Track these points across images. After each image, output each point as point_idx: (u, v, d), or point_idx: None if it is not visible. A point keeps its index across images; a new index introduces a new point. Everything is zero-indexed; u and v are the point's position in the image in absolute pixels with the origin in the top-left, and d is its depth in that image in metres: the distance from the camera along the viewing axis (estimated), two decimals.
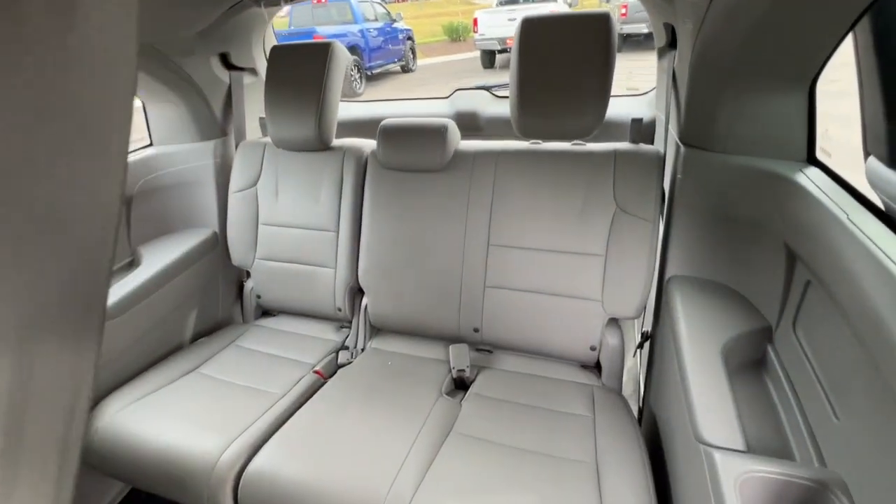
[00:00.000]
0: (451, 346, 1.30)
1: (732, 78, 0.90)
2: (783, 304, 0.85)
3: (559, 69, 1.09)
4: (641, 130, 1.24)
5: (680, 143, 1.07)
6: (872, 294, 0.56)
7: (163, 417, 1.11)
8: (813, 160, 0.89)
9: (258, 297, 1.58)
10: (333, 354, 1.40)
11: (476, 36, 8.72)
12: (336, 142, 1.48)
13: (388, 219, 1.36)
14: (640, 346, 1.30)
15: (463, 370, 1.23)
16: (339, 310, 1.47)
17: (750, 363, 0.88)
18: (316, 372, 1.30)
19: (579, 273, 1.19)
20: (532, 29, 1.11)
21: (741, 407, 0.74)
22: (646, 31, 8.31)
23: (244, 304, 1.63)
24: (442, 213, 1.31)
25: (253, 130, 1.68)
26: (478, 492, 0.89)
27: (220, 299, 1.64)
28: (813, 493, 0.61)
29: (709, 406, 0.74)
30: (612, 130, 1.48)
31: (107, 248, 0.17)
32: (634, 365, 1.53)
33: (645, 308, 1.19)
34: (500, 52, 8.71)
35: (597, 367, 1.27)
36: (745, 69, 0.87)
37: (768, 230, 0.88)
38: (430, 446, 1.00)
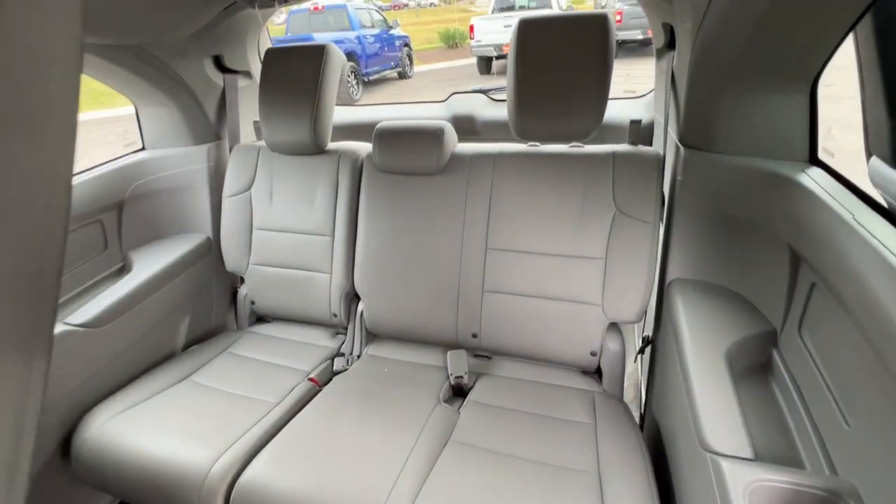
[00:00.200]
0: (448, 353, 1.28)
1: (733, 77, 0.88)
2: (788, 307, 0.83)
3: (557, 70, 1.08)
4: (640, 132, 1.23)
5: (679, 145, 1.05)
6: (881, 295, 0.55)
7: (153, 427, 1.08)
8: (815, 160, 0.88)
9: (252, 303, 1.55)
10: (329, 361, 1.37)
11: (472, 42, 8.78)
12: (331, 145, 1.46)
13: (385, 223, 1.34)
14: (642, 350, 1.28)
15: (461, 377, 1.21)
16: (335, 316, 1.45)
17: (755, 368, 0.86)
18: (311, 379, 1.27)
19: (579, 277, 1.17)
20: (530, 30, 1.10)
21: (747, 413, 0.72)
22: (640, 37, 8.40)
23: (238, 310, 1.60)
24: (439, 217, 1.29)
25: (247, 134, 1.66)
26: (477, 503, 0.87)
27: (214, 306, 1.62)
28: (824, 502, 0.59)
29: (714, 412, 0.72)
30: (610, 133, 1.47)
31: (55, 244, 0.15)
32: (635, 370, 1.51)
33: (646, 312, 1.17)
34: (497, 58, 8.76)
35: (597, 373, 1.25)
36: (745, 68, 0.85)
37: (771, 232, 0.86)
38: (428, 456, 0.98)
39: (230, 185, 1.50)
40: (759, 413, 0.78)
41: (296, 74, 1.36)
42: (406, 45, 10.01)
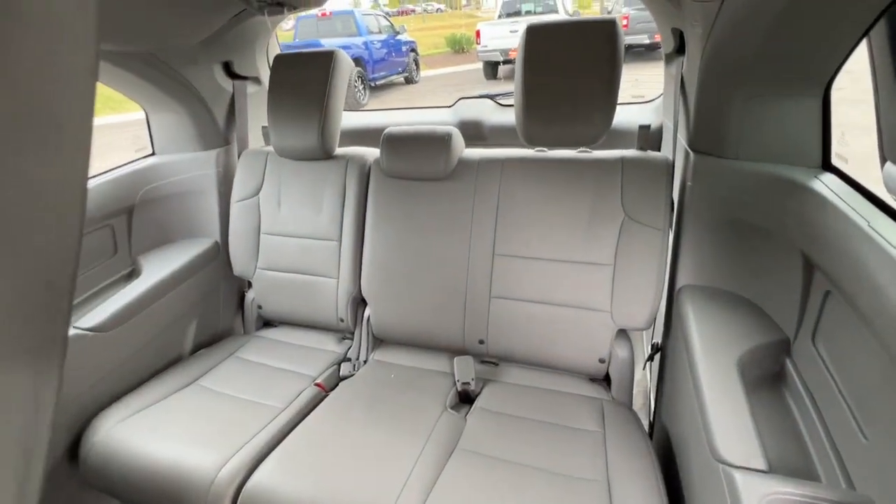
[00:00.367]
0: (455, 359, 1.27)
1: (744, 83, 0.88)
2: (801, 315, 0.82)
3: (565, 76, 1.08)
4: (649, 137, 1.22)
5: (689, 150, 1.04)
6: None
7: (160, 431, 1.08)
8: (829, 166, 0.87)
9: (259, 307, 1.56)
10: (335, 366, 1.37)
11: (479, 47, 8.80)
12: (339, 150, 1.46)
13: (392, 228, 1.34)
14: (651, 358, 1.26)
15: (468, 383, 1.20)
16: (342, 321, 1.45)
17: (767, 377, 0.85)
18: (317, 384, 1.27)
19: (587, 283, 1.16)
20: (537, 36, 1.10)
21: (760, 423, 0.71)
22: (647, 41, 8.38)
23: (245, 314, 1.60)
24: (446, 222, 1.29)
25: (255, 139, 1.67)
26: None
27: (221, 310, 1.62)
28: None
29: (726, 422, 0.71)
30: (618, 138, 1.46)
31: (69, 256, 0.15)
32: (644, 378, 1.49)
33: (655, 319, 1.16)
34: (503, 63, 8.79)
35: (605, 380, 1.24)
36: (757, 73, 0.85)
37: (783, 238, 0.85)
38: (435, 464, 0.97)
39: (238, 189, 1.51)
40: (773, 423, 0.76)
41: (304, 80, 1.37)
42: (413, 50, 10.07)
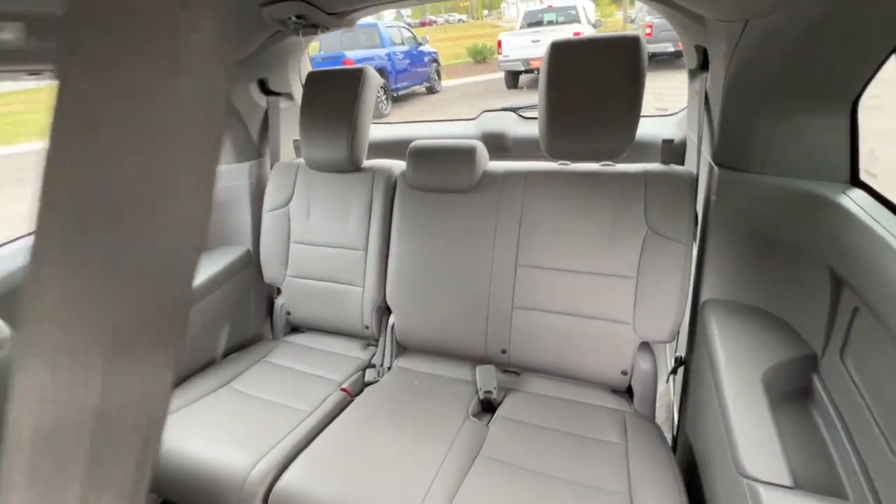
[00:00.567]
0: (477, 367, 1.29)
1: (769, 99, 0.88)
2: (829, 331, 0.81)
3: (589, 91, 1.10)
4: (672, 151, 1.22)
5: (714, 165, 1.05)
6: None
7: (195, 430, 1.13)
8: (857, 182, 0.86)
9: (288, 313, 1.61)
10: (360, 372, 1.40)
11: (500, 57, 8.86)
12: (366, 163, 1.52)
13: (416, 238, 1.38)
14: (674, 371, 1.26)
15: (490, 392, 1.22)
16: (367, 328, 1.49)
17: (794, 393, 0.84)
18: (343, 390, 1.30)
19: (609, 295, 1.17)
20: (562, 52, 1.12)
21: (786, 439, 0.71)
22: (671, 49, 8.27)
23: (274, 320, 1.66)
24: (470, 233, 1.32)
25: (287, 152, 1.74)
26: None
27: (252, 315, 1.68)
28: None
29: (751, 437, 0.71)
30: (640, 151, 1.46)
31: (189, 274, 0.19)
32: (667, 391, 1.48)
33: (678, 333, 1.15)
34: (525, 72, 8.81)
35: (628, 393, 1.24)
36: (782, 90, 0.85)
37: (810, 253, 0.85)
38: (458, 470, 0.99)
39: (270, 200, 1.57)
40: (799, 439, 0.76)
41: (335, 96, 1.42)
42: (434, 60, 10.22)
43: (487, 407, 1.23)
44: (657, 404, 1.21)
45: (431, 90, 10.16)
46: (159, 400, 0.20)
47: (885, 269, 0.63)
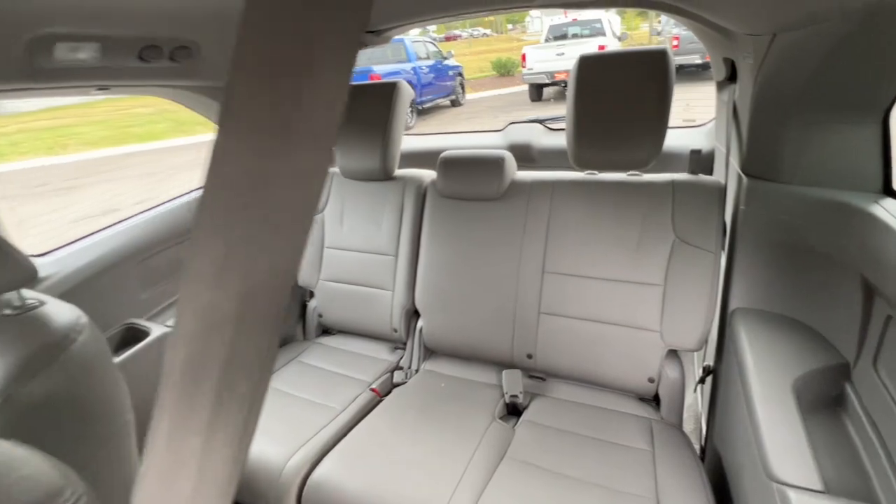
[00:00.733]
0: (504, 372, 1.32)
1: (798, 110, 0.90)
2: (861, 340, 0.81)
3: (616, 103, 1.13)
4: (700, 161, 1.24)
5: (742, 174, 1.06)
6: None
7: None
8: (890, 191, 0.87)
9: (320, 315, 1.67)
10: (389, 374, 1.45)
11: (524, 70, 8.94)
12: (398, 172, 1.58)
13: (446, 244, 1.42)
14: (702, 380, 1.25)
15: (516, 396, 1.24)
16: (395, 331, 1.53)
17: (825, 401, 0.84)
18: (372, 390, 1.35)
19: (637, 302, 1.18)
20: (590, 66, 1.16)
21: (817, 445, 0.71)
22: (699, 61, 8.18)
23: (307, 322, 1.73)
24: (498, 240, 1.35)
25: None
26: None
27: (286, 317, 1.75)
28: None
29: (781, 441, 0.71)
30: (668, 161, 1.48)
31: (286, 291, 0.24)
32: (695, 401, 1.47)
33: (706, 342, 1.15)
34: (549, 84, 8.85)
35: (655, 400, 1.24)
36: (811, 102, 0.87)
37: (842, 262, 0.85)
38: (485, 469, 1.01)
39: None
40: (830, 446, 0.76)
41: (370, 108, 1.50)
42: (459, 74, 10.39)
43: (513, 411, 1.25)
44: (686, 415, 1.21)
45: (455, 103, 10.31)
46: (267, 359, 0.25)
47: None
